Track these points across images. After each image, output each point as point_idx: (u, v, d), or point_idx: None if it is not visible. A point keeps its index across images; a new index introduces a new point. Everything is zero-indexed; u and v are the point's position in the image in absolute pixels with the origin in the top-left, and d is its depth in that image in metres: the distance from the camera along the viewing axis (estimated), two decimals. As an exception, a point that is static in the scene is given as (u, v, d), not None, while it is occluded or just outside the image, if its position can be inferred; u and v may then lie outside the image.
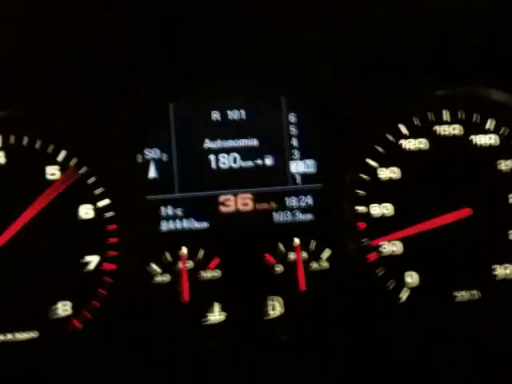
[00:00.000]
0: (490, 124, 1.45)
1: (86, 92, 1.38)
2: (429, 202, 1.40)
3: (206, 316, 1.37)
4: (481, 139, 1.44)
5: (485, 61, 1.43)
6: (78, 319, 1.33)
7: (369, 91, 1.41)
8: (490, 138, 1.45)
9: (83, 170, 1.38)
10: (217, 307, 1.37)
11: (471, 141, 1.45)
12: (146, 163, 1.43)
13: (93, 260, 1.35)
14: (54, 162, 1.37)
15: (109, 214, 1.36)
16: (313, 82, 1.46)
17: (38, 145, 1.37)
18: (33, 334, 1.31)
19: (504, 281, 1.40)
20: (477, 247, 1.40)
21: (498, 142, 1.45)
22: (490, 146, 1.44)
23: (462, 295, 1.39)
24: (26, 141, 1.37)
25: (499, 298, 1.39)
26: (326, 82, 1.45)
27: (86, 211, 1.36)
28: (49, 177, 1.36)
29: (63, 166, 1.37)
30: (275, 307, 1.38)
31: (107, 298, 1.33)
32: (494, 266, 1.40)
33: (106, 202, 1.37)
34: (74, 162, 1.37)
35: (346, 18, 1.38)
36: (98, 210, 1.36)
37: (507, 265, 1.40)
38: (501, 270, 1.40)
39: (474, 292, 1.39)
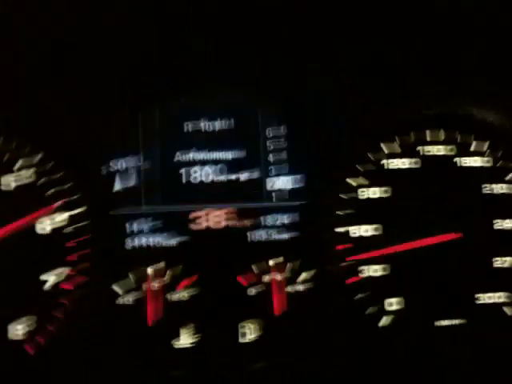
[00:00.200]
0: (477, 146, 1.40)
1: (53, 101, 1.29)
2: (412, 224, 1.34)
3: (174, 341, 1.26)
4: (467, 161, 1.39)
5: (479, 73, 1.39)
6: (31, 344, 1.21)
7: (352, 109, 1.36)
8: (476, 161, 1.39)
9: (42, 181, 1.27)
10: (185, 331, 1.27)
11: (457, 162, 1.39)
12: (111, 175, 1.33)
13: (49, 279, 1.23)
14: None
15: (68, 230, 1.25)
16: (293, 96, 1.39)
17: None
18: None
19: (487, 309, 1.34)
20: (460, 274, 1.34)
21: (484, 164, 1.40)
22: (477, 169, 1.39)
23: (444, 323, 1.33)
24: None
25: (482, 326, 1.33)
26: (308, 97, 1.38)
27: (43, 226, 1.25)
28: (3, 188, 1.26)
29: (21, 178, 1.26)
30: (249, 331, 1.29)
31: (63, 321, 1.21)
32: (477, 295, 1.34)
33: (66, 216, 1.26)
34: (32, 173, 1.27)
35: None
36: (56, 226, 1.25)
37: (491, 294, 1.34)
38: (484, 299, 1.34)
39: (457, 320, 1.33)
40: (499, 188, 1.38)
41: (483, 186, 1.38)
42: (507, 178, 1.39)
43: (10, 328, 1.21)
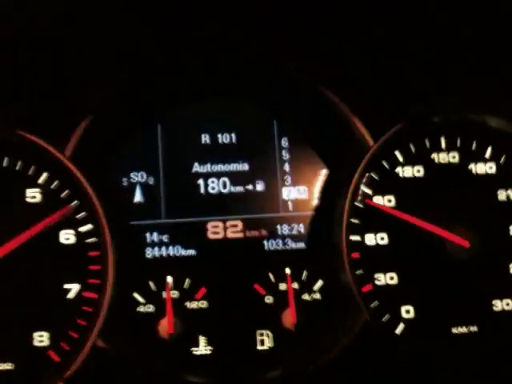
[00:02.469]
0: (489, 152, 1.40)
1: (73, 113, 1.33)
2: (425, 233, 1.34)
3: (191, 349, 1.29)
4: (479, 168, 1.39)
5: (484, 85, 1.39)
6: (55, 351, 1.25)
7: (365, 117, 1.37)
8: (489, 167, 1.40)
9: (65, 193, 1.31)
10: (203, 340, 1.30)
11: (470, 169, 1.40)
12: (132, 187, 1.38)
13: (73, 288, 1.27)
14: (35, 185, 1.31)
15: (91, 240, 1.30)
16: (306, 107, 1.41)
17: (19, 166, 1.31)
18: (7, 366, 1.23)
19: (503, 316, 1.34)
20: (476, 281, 1.34)
21: (497, 170, 1.40)
22: (489, 175, 1.39)
23: (460, 330, 1.33)
24: (6, 162, 1.31)
25: (498, 333, 1.33)
26: (320, 108, 1.40)
27: (67, 236, 1.30)
28: (29, 200, 1.30)
29: (44, 189, 1.31)
30: (265, 341, 1.31)
31: (86, 328, 1.25)
32: (493, 301, 1.34)
33: (88, 227, 1.30)
34: (55, 184, 1.31)
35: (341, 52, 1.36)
36: (79, 236, 1.30)
37: (507, 300, 1.34)
38: (500, 305, 1.34)
39: (473, 327, 1.33)
40: (515, 194, 1.38)
41: (499, 192, 1.38)
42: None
43: (34, 335, 1.25)
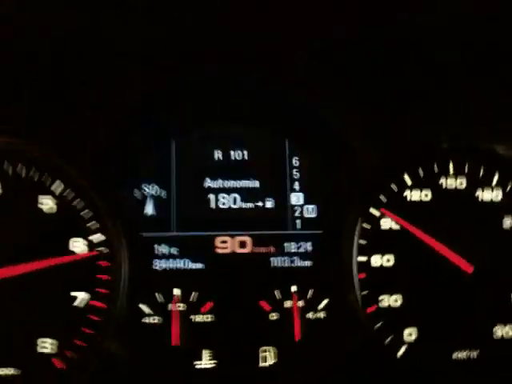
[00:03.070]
0: (495, 179, 1.43)
1: (87, 124, 1.36)
2: (429, 256, 1.36)
3: (194, 362, 1.31)
4: (486, 194, 1.41)
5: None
6: (60, 358, 1.26)
7: (375, 140, 1.39)
8: (495, 195, 1.42)
9: (77, 202, 1.33)
10: (207, 353, 1.31)
11: (476, 196, 1.42)
12: (144, 199, 1.40)
13: (81, 296, 1.29)
14: (48, 192, 1.33)
15: (100, 249, 1.31)
16: (318, 127, 1.44)
17: (32, 173, 1.33)
18: (10, 371, 1.24)
19: (504, 342, 1.35)
20: (478, 306, 1.35)
21: (503, 198, 1.42)
22: (495, 202, 1.41)
23: (460, 355, 1.34)
24: (20, 169, 1.33)
25: (498, 358, 1.34)
26: (331, 129, 1.43)
27: (76, 245, 1.31)
28: (41, 206, 1.32)
29: (57, 197, 1.33)
30: (269, 356, 1.32)
31: (94, 337, 1.26)
32: (495, 328, 1.35)
33: (99, 236, 1.32)
34: (68, 192, 1.33)
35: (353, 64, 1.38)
36: (90, 245, 1.31)
37: (508, 327, 1.35)
38: (501, 332, 1.35)
39: (473, 353, 1.34)
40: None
41: (504, 219, 1.40)
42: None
43: (38, 342, 1.26)
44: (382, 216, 1.38)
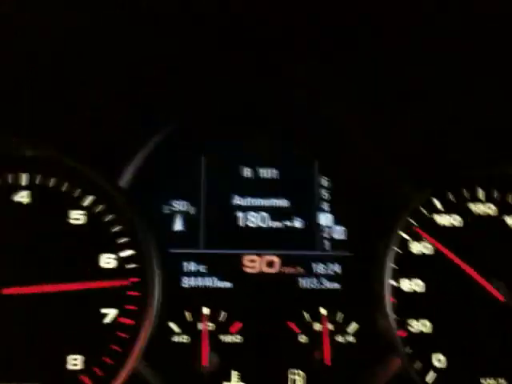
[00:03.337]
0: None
1: (117, 140, 1.35)
2: (460, 282, 1.36)
3: (224, 383, 1.29)
4: (517, 223, 1.42)
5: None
6: (88, 375, 1.25)
7: (404, 164, 1.39)
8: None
9: (108, 217, 1.32)
10: (235, 375, 1.30)
11: (506, 222, 1.42)
12: (173, 215, 1.39)
13: (110, 313, 1.28)
14: (79, 207, 1.32)
15: (131, 266, 1.30)
16: (347, 149, 1.44)
17: (64, 187, 1.32)
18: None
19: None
20: (507, 333, 1.35)
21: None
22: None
23: (489, 381, 1.33)
24: (52, 182, 1.32)
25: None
26: (361, 151, 1.43)
27: (107, 261, 1.30)
28: (72, 221, 1.31)
29: (88, 212, 1.32)
30: (296, 380, 1.31)
31: (121, 354, 1.25)
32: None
33: (129, 252, 1.31)
34: (100, 208, 1.32)
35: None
36: (120, 261, 1.30)
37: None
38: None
39: (501, 380, 1.33)
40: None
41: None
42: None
43: (69, 359, 1.25)
44: (414, 239, 1.38)
